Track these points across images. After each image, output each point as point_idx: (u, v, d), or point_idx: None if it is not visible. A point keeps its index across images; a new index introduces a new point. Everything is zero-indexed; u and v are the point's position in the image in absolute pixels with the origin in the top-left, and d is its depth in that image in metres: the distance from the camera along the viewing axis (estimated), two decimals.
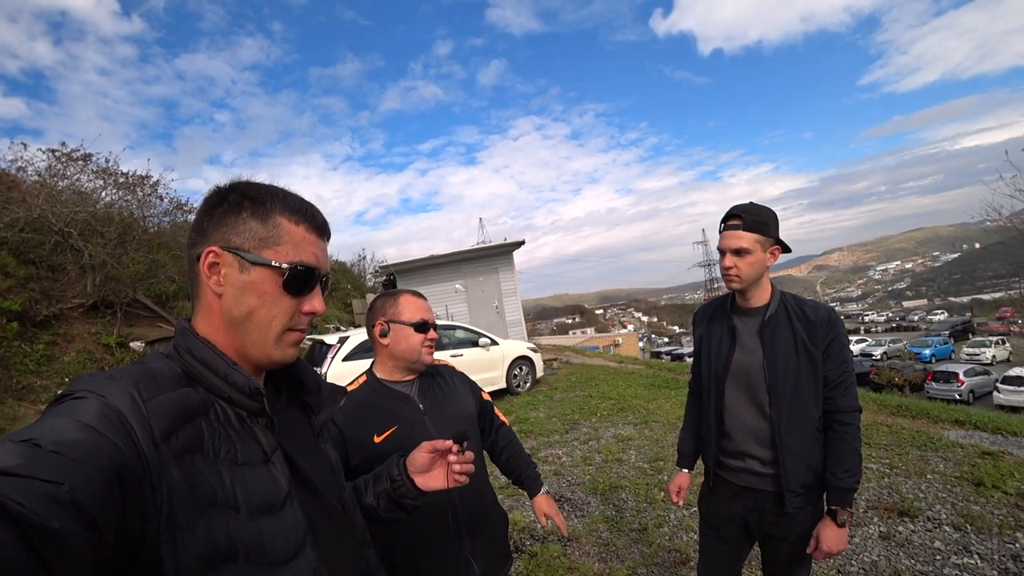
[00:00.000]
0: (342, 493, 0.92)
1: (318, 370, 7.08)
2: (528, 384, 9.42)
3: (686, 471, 2.02)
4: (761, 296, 1.76)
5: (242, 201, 0.78)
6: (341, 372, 7.18)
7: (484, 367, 8.69)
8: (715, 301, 1.96)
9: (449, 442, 1.09)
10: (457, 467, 1.08)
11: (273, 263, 0.77)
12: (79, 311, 9.93)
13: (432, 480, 1.09)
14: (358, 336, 7.76)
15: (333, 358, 7.36)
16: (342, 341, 7.61)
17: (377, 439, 1.50)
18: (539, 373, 9.74)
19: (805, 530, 1.72)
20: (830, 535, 1.65)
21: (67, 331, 9.47)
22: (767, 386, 1.70)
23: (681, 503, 2.00)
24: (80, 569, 0.48)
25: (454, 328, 9.09)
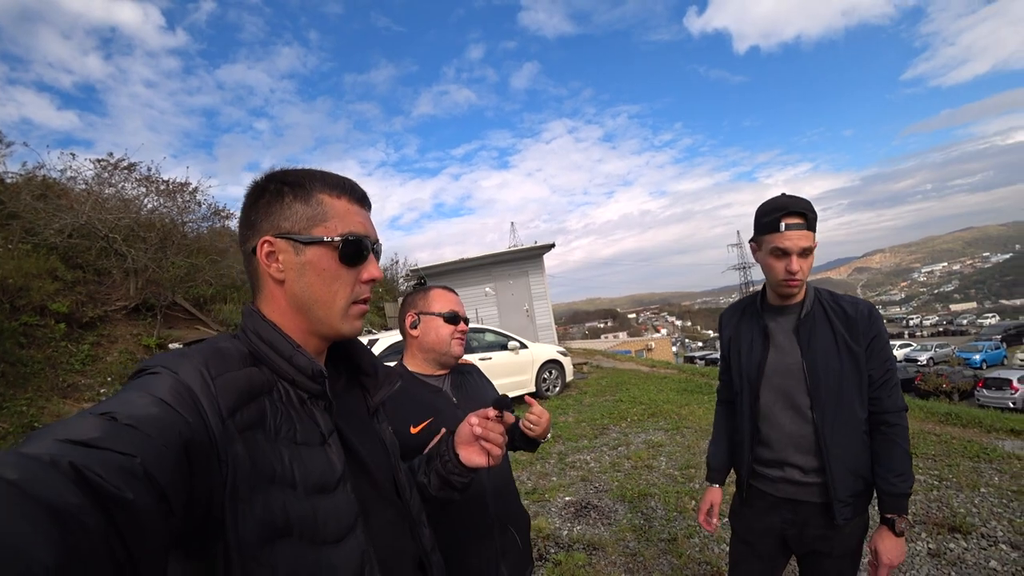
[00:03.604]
0: (396, 475, 0.93)
1: None
2: (558, 388, 9.34)
3: (717, 487, 1.87)
4: (796, 295, 1.64)
5: (282, 188, 0.80)
6: None
7: (513, 370, 8.65)
8: (743, 300, 1.83)
9: (491, 410, 1.04)
10: (478, 430, 1.01)
11: (325, 238, 0.79)
12: (122, 313, 10.28)
13: (475, 455, 1.03)
14: (387, 338, 7.83)
15: None
16: (372, 344, 7.69)
17: (413, 430, 1.50)
18: (569, 377, 9.65)
19: (853, 544, 1.61)
20: (889, 546, 1.53)
21: (111, 332, 9.81)
22: (807, 388, 1.58)
23: (713, 526, 1.85)
24: (151, 537, 0.50)
25: (484, 331, 9.07)
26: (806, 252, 1.53)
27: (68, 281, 9.70)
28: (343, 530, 0.73)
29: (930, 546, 3.17)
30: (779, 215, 1.54)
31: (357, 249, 0.82)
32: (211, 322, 12.66)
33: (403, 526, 0.90)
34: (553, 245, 14.78)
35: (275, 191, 0.81)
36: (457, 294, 1.71)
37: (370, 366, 0.95)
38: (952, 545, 3.15)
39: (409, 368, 1.64)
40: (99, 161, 11.25)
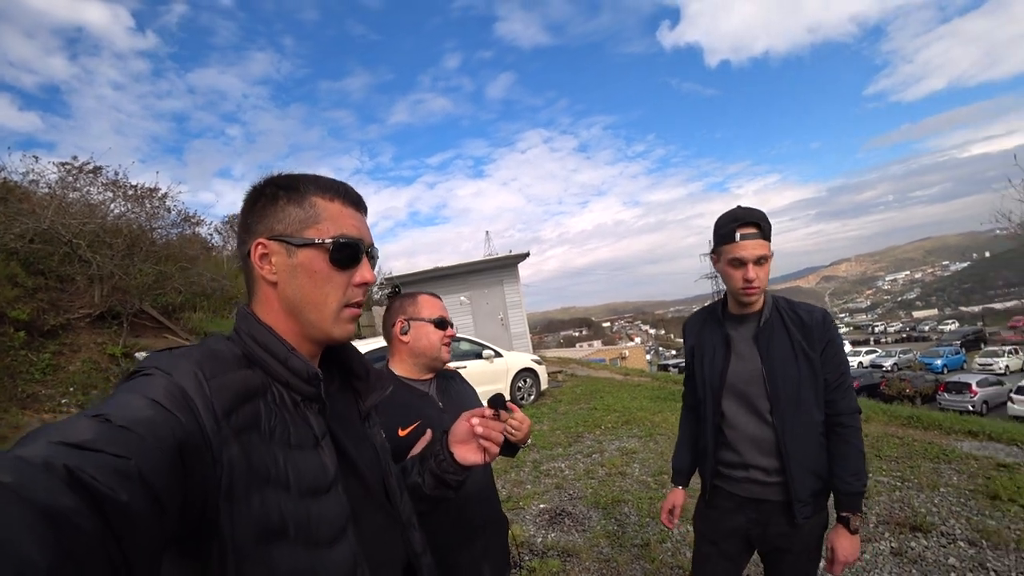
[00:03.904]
0: (387, 478, 0.93)
1: None
2: (532, 396, 9.36)
3: (681, 488, 1.92)
4: (755, 302, 1.70)
5: (277, 191, 0.81)
6: None
7: (488, 379, 8.64)
8: (705, 309, 1.89)
9: (487, 408, 1.06)
10: (479, 429, 1.03)
11: (316, 240, 0.79)
12: (86, 321, 9.97)
13: (470, 453, 1.05)
14: (363, 348, 7.74)
15: None
16: None
17: (402, 432, 1.52)
18: (543, 385, 9.69)
19: (813, 540, 1.67)
20: (845, 544, 1.60)
21: (73, 341, 9.50)
22: (767, 394, 1.64)
23: (674, 525, 1.91)
24: (146, 538, 0.50)
25: (458, 340, 9.06)
26: (761, 260, 1.59)
27: (29, 288, 9.38)
28: (335, 533, 0.73)
29: (892, 545, 3.27)
30: (734, 226, 1.61)
31: (349, 252, 0.82)
32: (180, 331, 12.34)
33: (394, 529, 0.90)
34: (528, 254, 14.86)
35: (270, 195, 0.81)
36: (442, 299, 1.75)
37: (362, 370, 0.95)
38: (913, 544, 3.26)
39: (396, 372, 1.66)
40: (63, 164, 10.91)
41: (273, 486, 0.67)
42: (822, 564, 1.70)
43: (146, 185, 11.99)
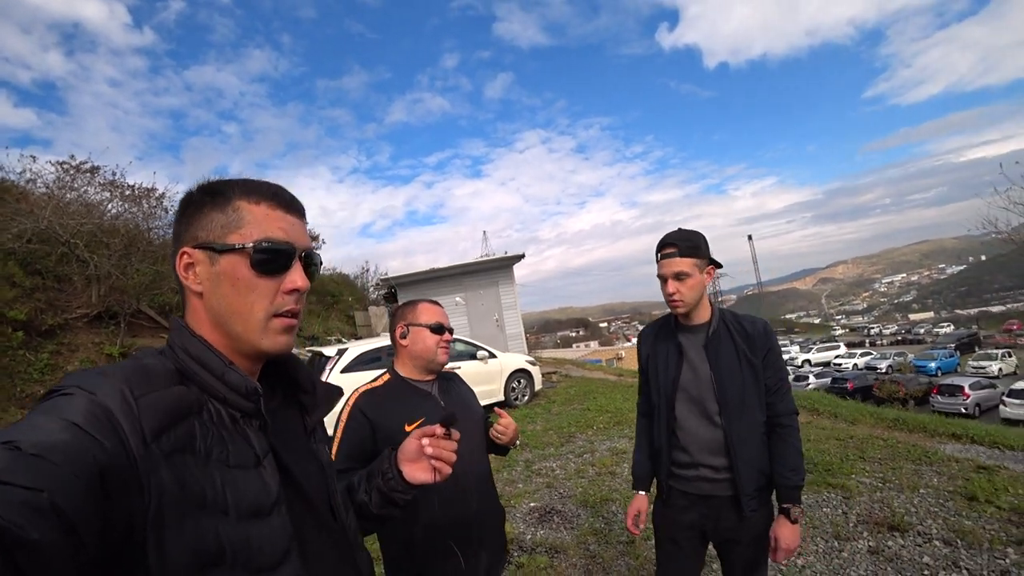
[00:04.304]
0: (333, 497, 0.88)
1: None
2: (526, 397, 9.41)
3: (643, 493, 2.02)
4: (702, 314, 1.86)
5: (203, 198, 0.78)
6: (340, 384, 7.20)
7: (482, 380, 8.68)
8: (658, 322, 2.04)
9: (438, 427, 1.04)
10: (429, 450, 1.00)
11: (237, 245, 0.74)
12: (83, 321, 10.03)
13: (419, 471, 1.02)
14: (357, 348, 7.82)
15: (332, 370, 7.41)
16: (340, 353, 7.67)
17: (408, 428, 1.62)
18: (538, 386, 9.74)
19: (760, 531, 1.81)
20: (786, 533, 1.76)
21: (71, 341, 9.57)
22: (716, 397, 1.78)
23: (640, 531, 2.00)
24: (59, 574, 0.47)
25: (453, 341, 9.12)
26: (680, 276, 1.77)
27: (26, 288, 9.44)
28: (278, 556, 0.70)
29: (870, 544, 3.36)
30: (658, 248, 1.84)
31: (275, 257, 0.76)
32: None
33: (339, 550, 0.86)
34: (523, 256, 14.94)
35: (197, 201, 0.78)
36: (442, 307, 1.88)
37: (308, 383, 0.90)
38: (890, 543, 3.36)
39: (401, 374, 1.80)
40: (61, 164, 10.97)
41: (209, 510, 0.63)
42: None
43: (143, 185, 12.05)
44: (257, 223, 0.76)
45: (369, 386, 1.77)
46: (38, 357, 8.64)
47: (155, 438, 0.61)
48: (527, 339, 16.55)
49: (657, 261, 1.84)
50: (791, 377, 28.84)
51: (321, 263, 0.88)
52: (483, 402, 7.84)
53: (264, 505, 0.70)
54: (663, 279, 1.81)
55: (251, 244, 0.75)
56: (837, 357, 43.71)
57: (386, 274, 18.01)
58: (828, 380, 27.62)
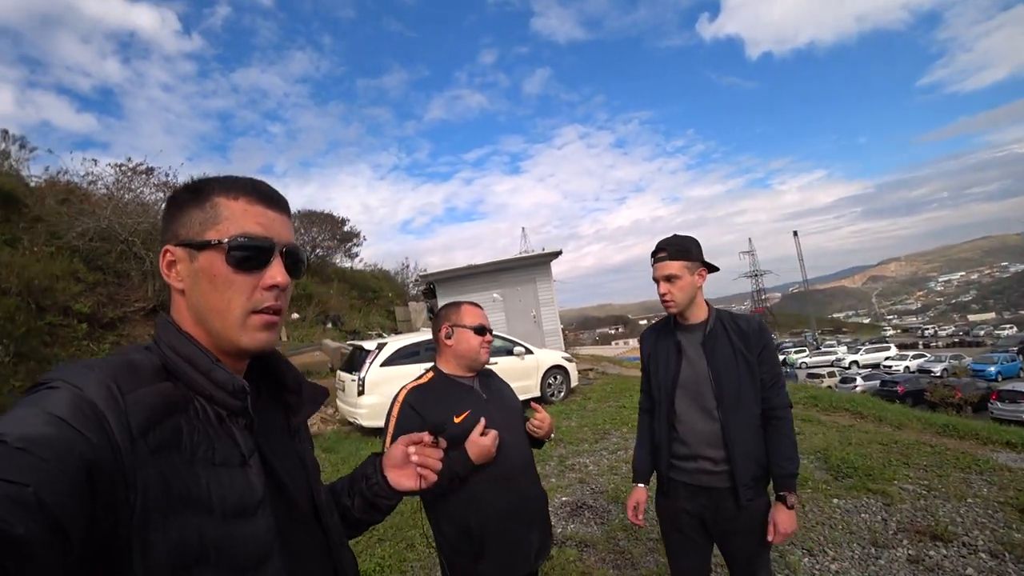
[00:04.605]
0: (317, 497, 0.88)
1: (357, 374, 7.39)
2: (562, 393, 9.43)
3: (642, 486, 2.12)
4: (698, 314, 1.98)
5: (185, 196, 0.78)
6: (379, 377, 7.44)
7: (519, 375, 8.74)
8: (659, 323, 2.16)
9: (426, 435, 1.06)
10: (415, 458, 1.02)
11: (213, 241, 0.74)
12: (140, 314, 10.63)
13: (404, 478, 1.03)
14: (396, 342, 8.00)
15: (371, 363, 7.61)
16: (380, 347, 7.86)
17: (457, 420, 1.76)
18: (574, 383, 9.74)
19: (757, 521, 1.89)
20: (783, 518, 1.84)
21: (130, 332, 10.15)
22: (714, 392, 1.89)
23: (641, 521, 2.10)
24: (45, 572, 0.46)
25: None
26: (671, 278, 1.91)
27: (90, 283, 10.06)
28: (262, 556, 0.69)
29: (910, 553, 3.27)
30: (652, 253, 1.99)
31: (252, 252, 0.75)
32: None
33: (322, 550, 0.86)
34: (560, 253, 14.94)
35: (179, 200, 0.78)
36: (483, 308, 2.01)
37: (295, 383, 0.90)
38: (932, 552, 3.26)
39: (444, 371, 1.93)
40: (119, 166, 11.67)
41: (193, 508, 0.63)
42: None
43: None
44: (234, 218, 0.76)
45: (415, 383, 1.88)
46: (100, 347, 9.20)
47: (141, 434, 0.60)
48: (565, 336, 16.54)
49: (652, 265, 1.98)
50: (836, 379, 27.97)
51: (306, 259, 0.86)
52: (521, 398, 7.88)
53: (249, 504, 0.69)
54: (656, 281, 1.95)
55: (227, 239, 0.74)
56: (887, 359, 41.85)
57: (425, 270, 18.32)
58: (876, 383, 26.52)
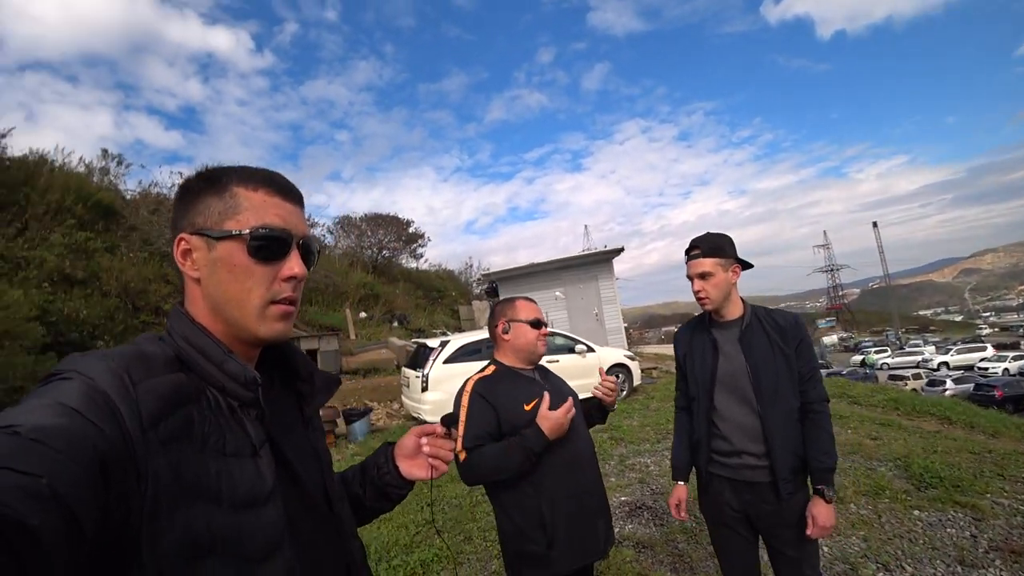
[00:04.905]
0: (329, 485, 0.88)
1: (421, 371, 7.62)
2: (624, 392, 9.32)
3: (683, 483, 2.15)
4: (733, 310, 2.01)
5: (200, 184, 0.78)
6: (442, 373, 7.66)
7: (580, 373, 8.69)
8: (693, 321, 2.20)
9: (438, 426, 1.08)
10: (428, 448, 1.03)
11: (234, 231, 0.75)
12: None
13: (415, 468, 1.04)
14: (458, 340, 8.18)
15: (435, 360, 7.83)
16: (443, 344, 8.07)
17: (527, 408, 1.84)
18: (636, 381, 9.62)
19: (797, 515, 1.90)
20: (822, 511, 1.84)
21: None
22: (753, 386, 1.91)
23: (684, 517, 2.15)
24: (60, 563, 0.46)
25: (552, 335, 9.22)
26: (704, 275, 1.95)
27: (177, 286, 10.85)
28: (271, 546, 0.69)
29: (1003, 573, 3.02)
30: (687, 249, 2.02)
31: (272, 243, 0.77)
32: (298, 323, 13.64)
33: (333, 540, 0.86)
34: (622, 250, 14.75)
35: (193, 188, 0.78)
36: (536, 303, 2.08)
37: (306, 372, 0.90)
38: None
39: (505, 363, 2.00)
40: None
41: (203, 499, 0.63)
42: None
43: None
44: (254, 209, 0.76)
45: (481, 375, 1.95)
46: None
47: (153, 425, 0.61)
48: (628, 334, 16.31)
49: (686, 263, 2.02)
50: (922, 382, 25.99)
51: (320, 250, 0.87)
52: (580, 396, 7.84)
53: (259, 495, 0.70)
54: (691, 279, 2.00)
55: (248, 230, 0.75)
56: (983, 360, 38.29)
57: (488, 270, 18.56)
58: (970, 386, 24.42)
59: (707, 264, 1.94)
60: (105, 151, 16.67)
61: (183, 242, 0.76)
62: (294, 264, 0.79)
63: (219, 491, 0.65)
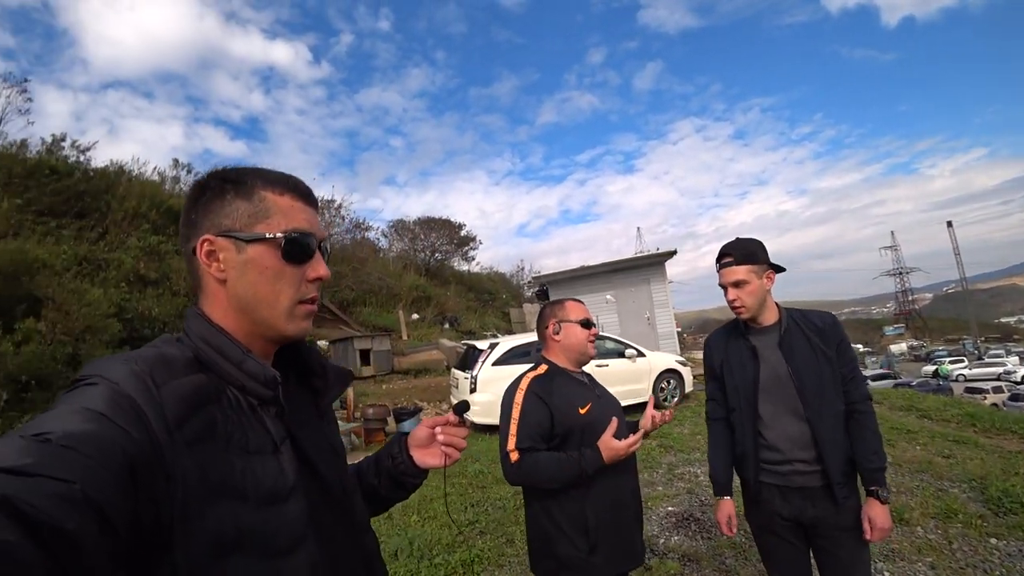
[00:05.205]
0: (344, 478, 0.90)
1: (470, 372, 7.68)
2: (676, 399, 9.05)
3: (728, 498, 2.06)
4: (769, 316, 1.96)
5: (223, 185, 0.78)
6: (491, 375, 7.70)
7: (630, 379, 8.54)
8: (726, 327, 2.14)
9: (451, 415, 1.09)
10: (442, 437, 1.05)
11: (267, 235, 0.77)
12: None
13: (429, 457, 1.06)
14: (508, 342, 8.21)
15: (484, 362, 7.88)
16: (492, 347, 8.11)
17: (581, 411, 1.83)
18: (688, 388, 9.31)
19: (852, 519, 1.83)
20: (879, 514, 1.79)
21: None
22: (798, 392, 1.86)
23: (734, 531, 2.04)
24: (95, 565, 0.47)
25: (602, 338, 9.07)
26: (739, 284, 1.90)
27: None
28: (295, 541, 0.71)
29: None
30: (719, 257, 1.98)
31: (302, 246, 0.79)
32: (352, 323, 14.07)
33: (350, 532, 0.87)
34: (675, 252, 14.39)
35: (216, 188, 0.78)
36: (585, 304, 2.05)
37: (319, 367, 0.92)
38: None
39: (557, 363, 1.98)
40: None
41: (229, 497, 0.64)
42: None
43: (324, 197, 13.96)
44: (283, 214, 0.79)
45: (535, 373, 1.93)
46: None
47: (178, 426, 0.62)
48: (682, 339, 15.89)
49: (717, 271, 1.97)
50: (1004, 395, 23.91)
51: (330, 251, 0.90)
52: (630, 402, 7.76)
53: (281, 491, 0.71)
54: (724, 288, 1.95)
55: (281, 234, 0.77)
56: None
57: (539, 272, 18.54)
58: None
59: (741, 272, 1.90)
60: (176, 160, 18.28)
61: (207, 243, 0.77)
62: (319, 266, 0.82)
63: (244, 489, 0.66)
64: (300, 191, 0.83)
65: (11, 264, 8.70)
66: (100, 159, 14.74)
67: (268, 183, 0.80)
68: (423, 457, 1.06)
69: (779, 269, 1.97)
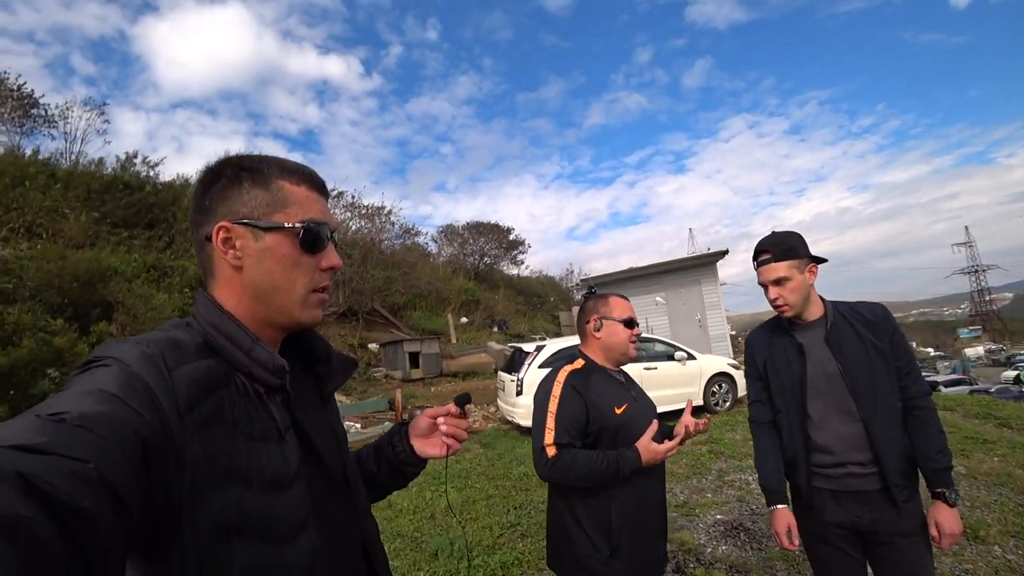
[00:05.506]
0: (346, 465, 0.91)
1: (516, 375, 7.65)
2: (728, 403, 8.73)
3: (784, 507, 1.87)
4: (814, 311, 1.85)
5: (240, 173, 0.79)
6: (537, 378, 7.61)
7: (679, 382, 8.30)
8: (768, 323, 2.03)
9: (452, 406, 1.09)
10: (444, 427, 1.05)
11: (286, 225, 0.78)
12: (333, 318, 12.28)
13: (429, 447, 1.06)
14: (554, 345, 8.12)
15: (530, 365, 7.83)
16: (539, 349, 8.05)
17: (617, 411, 1.75)
18: (741, 392, 8.94)
19: (916, 522, 1.72)
20: (947, 516, 1.67)
21: (325, 333, 11.79)
22: (849, 390, 1.74)
23: (796, 544, 1.83)
24: (109, 543, 0.48)
25: (651, 341, 8.85)
26: (780, 281, 1.79)
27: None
28: (297, 527, 0.71)
29: None
30: (755, 254, 1.87)
31: (318, 236, 0.81)
32: (403, 326, 14.36)
33: (352, 518, 0.88)
34: (726, 252, 13.93)
35: (232, 176, 0.78)
36: (630, 301, 1.94)
37: (324, 353, 0.92)
38: None
39: (595, 360, 1.89)
40: None
41: (234, 481, 0.65)
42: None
43: (375, 204, 14.40)
44: (300, 204, 0.80)
45: (571, 367, 1.86)
46: None
47: (189, 410, 0.63)
48: (735, 341, 15.39)
49: (755, 269, 1.87)
50: None
51: (338, 241, 0.91)
52: (679, 405, 7.54)
53: (284, 477, 0.71)
54: (764, 287, 1.85)
55: (299, 224, 0.79)
56: None
57: (588, 275, 18.40)
58: None
59: (781, 269, 1.79)
60: None
61: (223, 230, 0.77)
62: (333, 256, 0.84)
63: (249, 474, 0.67)
64: (315, 182, 0.85)
65: (87, 272, 9.42)
66: (168, 173, 15.65)
67: (285, 173, 0.81)
68: (423, 447, 1.06)
69: (820, 260, 1.84)
